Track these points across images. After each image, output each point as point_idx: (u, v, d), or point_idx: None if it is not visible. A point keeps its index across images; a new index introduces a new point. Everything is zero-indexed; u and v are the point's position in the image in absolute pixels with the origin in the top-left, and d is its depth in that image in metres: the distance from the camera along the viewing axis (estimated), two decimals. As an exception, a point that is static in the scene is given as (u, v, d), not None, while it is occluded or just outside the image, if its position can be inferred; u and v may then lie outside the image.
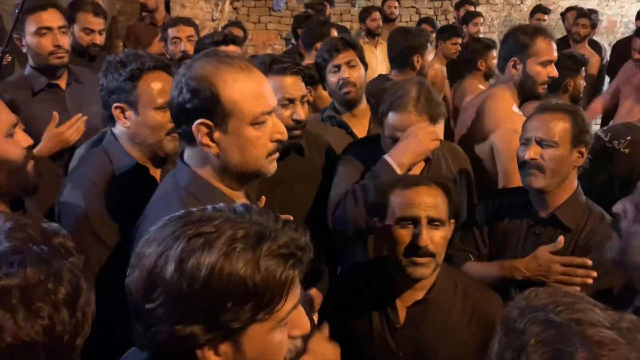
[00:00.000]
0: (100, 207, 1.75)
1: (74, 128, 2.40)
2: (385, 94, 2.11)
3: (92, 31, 3.26)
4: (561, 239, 1.82)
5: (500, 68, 2.63)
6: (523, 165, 1.91)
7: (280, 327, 0.91)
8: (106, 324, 1.14)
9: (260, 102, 1.34)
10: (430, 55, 3.27)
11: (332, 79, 2.54)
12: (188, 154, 1.42)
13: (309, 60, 3.68)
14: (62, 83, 2.66)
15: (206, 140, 1.33)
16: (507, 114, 2.46)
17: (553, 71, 2.52)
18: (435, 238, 1.61)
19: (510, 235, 1.99)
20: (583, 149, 1.91)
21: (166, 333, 0.86)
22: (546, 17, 6.18)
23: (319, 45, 3.69)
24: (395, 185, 1.68)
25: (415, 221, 1.61)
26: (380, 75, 3.61)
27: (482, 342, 1.62)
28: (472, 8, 6.17)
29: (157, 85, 1.76)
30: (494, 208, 2.06)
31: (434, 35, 4.98)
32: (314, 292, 2.14)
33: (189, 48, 3.34)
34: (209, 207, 0.94)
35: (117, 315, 1.11)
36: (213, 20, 6.32)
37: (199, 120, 1.31)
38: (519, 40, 2.48)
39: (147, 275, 0.87)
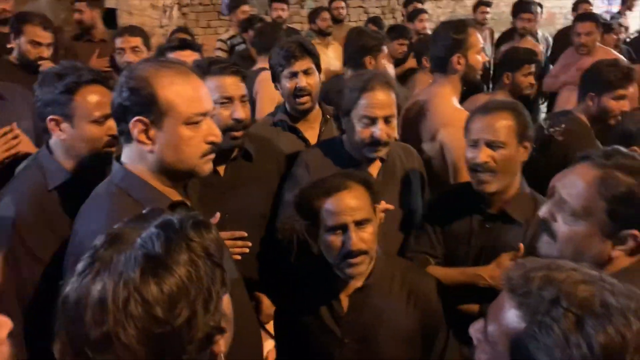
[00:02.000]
0: (32, 221, 1.73)
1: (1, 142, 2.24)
2: (346, 88, 2.16)
3: (40, 44, 3.21)
4: (521, 246, 1.85)
5: (439, 66, 2.64)
6: (474, 168, 1.92)
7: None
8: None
9: (195, 104, 1.41)
10: (383, 59, 3.30)
11: (287, 85, 2.50)
12: (124, 153, 1.47)
13: (261, 64, 3.68)
14: None
15: (142, 137, 1.39)
16: (453, 112, 2.53)
17: (484, 56, 2.66)
18: (365, 236, 1.68)
19: (461, 233, 2.03)
20: (527, 144, 1.96)
21: None
22: (488, 9, 6.40)
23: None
24: (318, 194, 1.72)
25: (344, 228, 1.67)
26: (335, 76, 3.65)
27: (420, 321, 1.74)
28: (419, 5, 6.29)
29: (93, 99, 1.77)
30: (444, 206, 2.10)
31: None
32: (266, 303, 2.18)
33: (133, 59, 3.31)
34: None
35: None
36: (162, 26, 6.25)
37: (136, 117, 1.38)
38: (456, 38, 2.54)
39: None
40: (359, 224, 1.68)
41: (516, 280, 0.92)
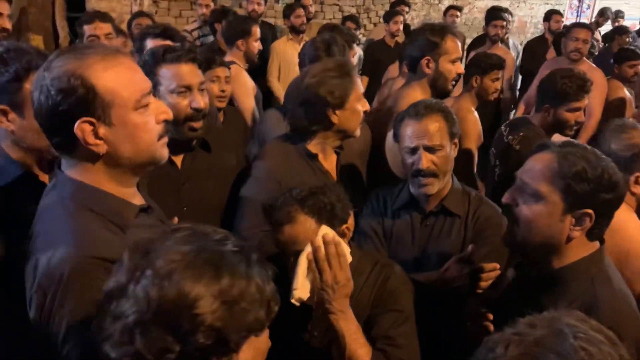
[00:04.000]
0: None
1: None
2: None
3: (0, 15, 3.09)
4: (471, 247, 1.90)
5: (411, 67, 2.65)
6: (416, 174, 1.96)
7: None
8: None
9: (138, 85, 1.26)
10: (353, 57, 3.30)
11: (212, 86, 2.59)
12: (67, 164, 1.30)
13: (230, 57, 3.63)
14: None
15: (91, 139, 1.21)
16: None
17: (460, 68, 2.63)
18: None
19: (403, 234, 2.05)
20: (456, 140, 2.03)
21: None
22: (458, 13, 6.58)
23: (240, 42, 3.68)
24: (272, 225, 1.67)
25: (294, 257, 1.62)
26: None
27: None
28: (406, 8, 6.34)
29: None
30: (381, 209, 2.10)
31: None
32: None
33: None
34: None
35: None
36: (131, 13, 6.10)
37: (80, 120, 1.19)
38: (430, 40, 2.53)
39: None
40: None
41: None
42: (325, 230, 1.57)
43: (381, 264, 1.78)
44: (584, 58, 4.31)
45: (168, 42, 2.60)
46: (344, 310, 1.54)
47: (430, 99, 2.19)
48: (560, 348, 0.88)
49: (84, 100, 1.19)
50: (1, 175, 1.62)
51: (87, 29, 3.35)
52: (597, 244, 1.51)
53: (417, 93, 2.56)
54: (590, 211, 1.42)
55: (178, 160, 2.06)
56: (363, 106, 2.15)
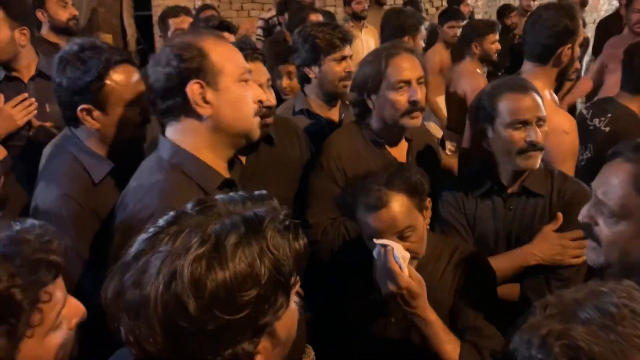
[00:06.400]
0: (88, 220, 1.63)
1: (20, 107, 2.24)
2: (367, 65, 2.11)
3: (66, 3, 3.30)
4: (559, 215, 1.83)
5: (542, 56, 2.28)
6: (529, 148, 1.83)
7: (293, 294, 0.89)
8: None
9: (241, 61, 1.47)
10: (421, 40, 3.24)
11: (336, 68, 2.48)
12: (171, 129, 1.45)
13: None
14: (25, 76, 2.54)
15: (199, 100, 1.38)
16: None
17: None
18: (409, 245, 1.61)
19: (486, 219, 1.98)
20: None
21: None
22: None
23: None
24: (361, 209, 1.66)
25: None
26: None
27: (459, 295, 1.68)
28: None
29: (125, 81, 1.66)
30: (461, 198, 2.02)
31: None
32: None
33: None
34: (177, 212, 0.88)
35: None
36: (195, 8, 6.23)
37: (192, 81, 1.37)
38: (568, 27, 2.23)
39: (162, 324, 0.78)
40: (402, 237, 1.62)
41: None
42: (379, 240, 1.56)
43: (460, 250, 1.75)
44: None
45: (226, 34, 2.61)
46: (420, 314, 1.53)
47: (514, 77, 2.15)
48: (599, 303, 0.82)
49: (197, 66, 1.38)
50: (95, 173, 1.69)
51: (173, 23, 3.59)
52: None
53: (542, 83, 2.20)
54: None
55: (242, 156, 2.08)
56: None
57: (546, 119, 1.85)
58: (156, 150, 1.49)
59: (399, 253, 1.51)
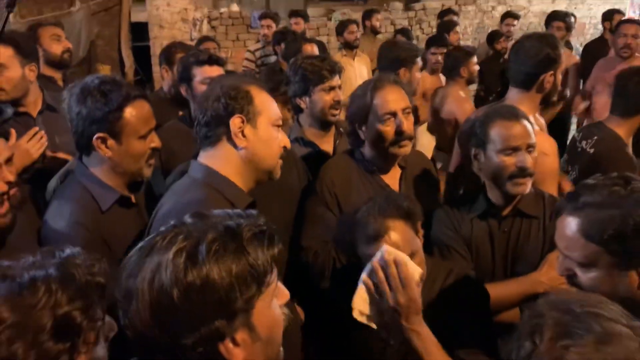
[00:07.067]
0: (98, 247, 1.67)
1: (34, 140, 2.31)
2: (356, 97, 2.20)
3: (60, 37, 3.40)
4: None
5: (525, 82, 2.39)
6: (518, 174, 1.90)
7: (275, 297, 1.02)
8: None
9: (276, 110, 1.69)
10: (417, 71, 3.32)
11: (325, 97, 2.60)
12: (206, 154, 1.65)
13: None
14: (33, 111, 2.61)
15: (239, 133, 1.59)
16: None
17: None
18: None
19: (482, 242, 2.02)
20: None
21: (192, 340, 0.92)
22: (516, 22, 6.34)
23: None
24: (362, 241, 1.69)
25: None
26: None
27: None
28: (455, 17, 6.30)
29: (140, 115, 1.76)
30: (457, 219, 2.06)
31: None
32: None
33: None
34: (176, 222, 1.02)
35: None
36: (192, 39, 6.37)
37: (236, 115, 1.59)
38: (551, 56, 2.34)
39: (150, 307, 0.92)
40: None
41: None
42: (388, 249, 1.53)
43: (455, 273, 1.79)
44: (636, 54, 4.18)
45: (215, 68, 2.65)
46: (416, 329, 1.51)
47: (506, 105, 2.22)
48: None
49: (243, 105, 1.60)
50: (103, 201, 1.76)
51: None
52: None
53: (527, 108, 2.23)
54: None
55: None
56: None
57: (536, 145, 1.92)
58: (187, 173, 1.66)
59: (412, 267, 1.50)
